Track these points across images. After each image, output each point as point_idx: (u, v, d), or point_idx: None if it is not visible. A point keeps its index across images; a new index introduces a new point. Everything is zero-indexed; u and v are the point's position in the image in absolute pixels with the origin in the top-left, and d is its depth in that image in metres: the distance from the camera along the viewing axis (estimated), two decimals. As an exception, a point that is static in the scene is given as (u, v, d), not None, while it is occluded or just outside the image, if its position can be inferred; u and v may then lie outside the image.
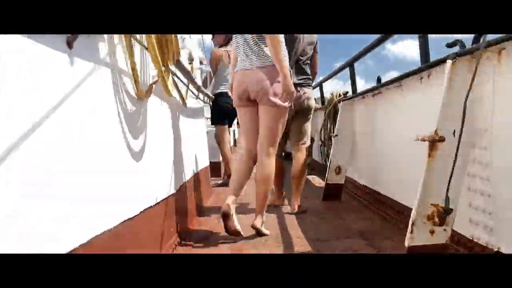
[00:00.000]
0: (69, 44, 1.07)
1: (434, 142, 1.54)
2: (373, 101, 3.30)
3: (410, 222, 1.57)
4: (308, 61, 3.31)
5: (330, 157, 3.78)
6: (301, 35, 3.16)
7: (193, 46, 4.03)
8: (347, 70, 4.16)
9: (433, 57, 2.19)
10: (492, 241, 1.59)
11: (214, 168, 5.67)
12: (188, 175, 2.96)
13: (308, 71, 3.31)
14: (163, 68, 1.65)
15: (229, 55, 4.16)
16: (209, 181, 4.41)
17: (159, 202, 2.01)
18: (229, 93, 2.79)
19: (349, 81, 4.08)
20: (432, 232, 1.60)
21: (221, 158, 5.85)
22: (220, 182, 5.22)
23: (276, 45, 2.26)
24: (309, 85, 3.35)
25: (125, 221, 1.46)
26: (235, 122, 6.25)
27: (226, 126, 4.87)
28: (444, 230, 1.61)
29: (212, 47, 4.96)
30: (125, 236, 1.45)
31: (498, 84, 1.51)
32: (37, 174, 0.93)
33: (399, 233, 2.39)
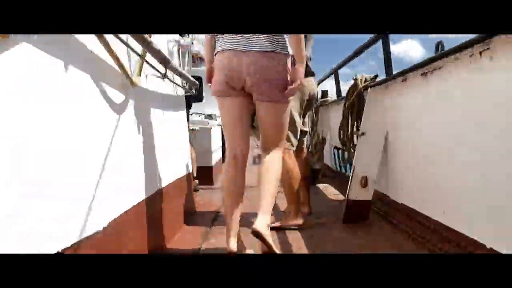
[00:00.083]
0: None
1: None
2: (420, 84, 2.26)
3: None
4: None
5: (353, 163, 2.75)
6: None
7: None
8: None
9: None
10: None
11: (206, 174, 4.71)
12: (140, 195, 1.95)
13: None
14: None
15: None
16: (190, 196, 3.34)
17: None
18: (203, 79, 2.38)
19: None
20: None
21: (213, 163, 4.83)
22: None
23: (301, 43, 2.01)
24: (312, 74, 2.91)
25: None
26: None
27: None
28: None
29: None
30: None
31: None
32: None
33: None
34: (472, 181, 1.73)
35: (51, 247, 0.98)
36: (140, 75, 1.92)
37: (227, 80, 2.02)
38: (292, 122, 2.55)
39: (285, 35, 1.98)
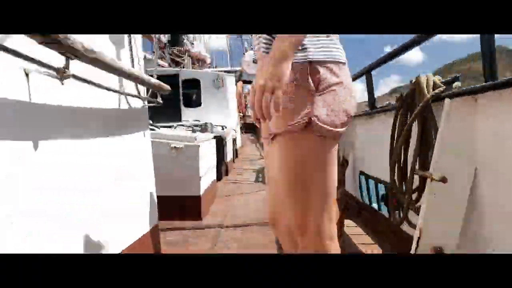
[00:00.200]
0: None
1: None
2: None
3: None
4: None
5: (417, 226, 1.61)
6: None
7: None
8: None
9: None
10: None
11: (191, 206, 3.62)
12: None
13: None
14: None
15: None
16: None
17: None
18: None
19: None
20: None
21: (202, 191, 3.72)
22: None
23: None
24: None
25: None
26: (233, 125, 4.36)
27: None
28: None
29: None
30: None
31: None
32: None
33: None
34: None
35: None
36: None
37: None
38: None
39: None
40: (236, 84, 11.29)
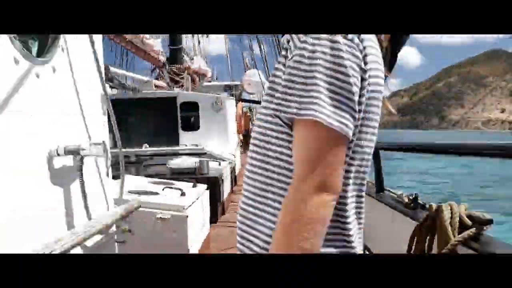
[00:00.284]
0: None
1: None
2: None
3: None
4: None
5: None
6: None
7: None
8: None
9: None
10: None
11: None
12: None
13: None
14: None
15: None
16: None
17: None
18: None
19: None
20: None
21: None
22: None
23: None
24: None
25: None
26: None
27: None
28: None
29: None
30: None
31: None
32: None
33: None
34: None
35: None
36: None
37: None
38: None
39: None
40: (236, 105, 11.03)
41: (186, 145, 7.21)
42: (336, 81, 0.86)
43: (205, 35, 15.16)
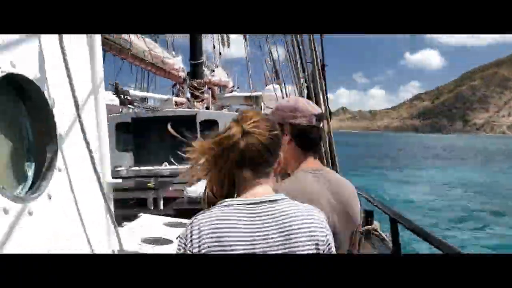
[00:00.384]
0: None
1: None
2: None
3: None
4: None
5: None
6: None
7: None
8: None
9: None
10: None
11: None
12: None
13: None
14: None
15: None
16: None
17: None
18: None
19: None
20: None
21: None
22: None
23: None
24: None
25: None
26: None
27: None
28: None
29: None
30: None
31: None
32: None
33: None
34: None
35: None
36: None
37: None
38: None
39: None
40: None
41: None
42: None
43: (226, 45, 15.06)
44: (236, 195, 1.12)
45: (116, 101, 5.92)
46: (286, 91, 8.87)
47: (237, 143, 1.09)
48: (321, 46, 4.68)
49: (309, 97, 5.41)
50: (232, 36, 15.32)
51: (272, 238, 1.03)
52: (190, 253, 1.02)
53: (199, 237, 1.02)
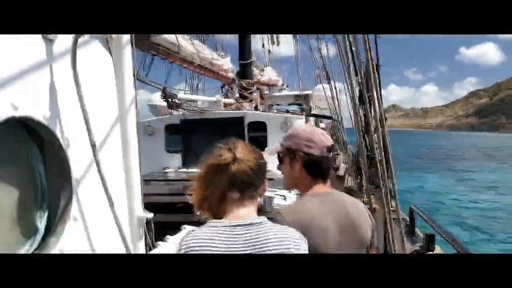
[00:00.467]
0: None
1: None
2: None
3: None
4: None
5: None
6: None
7: None
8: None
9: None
10: None
11: None
12: None
13: None
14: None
15: None
16: None
17: None
18: None
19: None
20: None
21: None
22: None
23: None
24: None
25: None
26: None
27: None
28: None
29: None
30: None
31: None
32: None
33: None
34: None
35: None
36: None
37: None
38: None
39: None
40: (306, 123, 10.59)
41: None
42: None
43: (276, 43, 14.88)
44: (221, 212, 1.26)
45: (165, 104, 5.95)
46: (336, 91, 8.54)
47: (229, 167, 1.23)
48: (375, 46, 4.41)
49: (361, 97, 5.13)
50: (281, 34, 15.13)
51: None
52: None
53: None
